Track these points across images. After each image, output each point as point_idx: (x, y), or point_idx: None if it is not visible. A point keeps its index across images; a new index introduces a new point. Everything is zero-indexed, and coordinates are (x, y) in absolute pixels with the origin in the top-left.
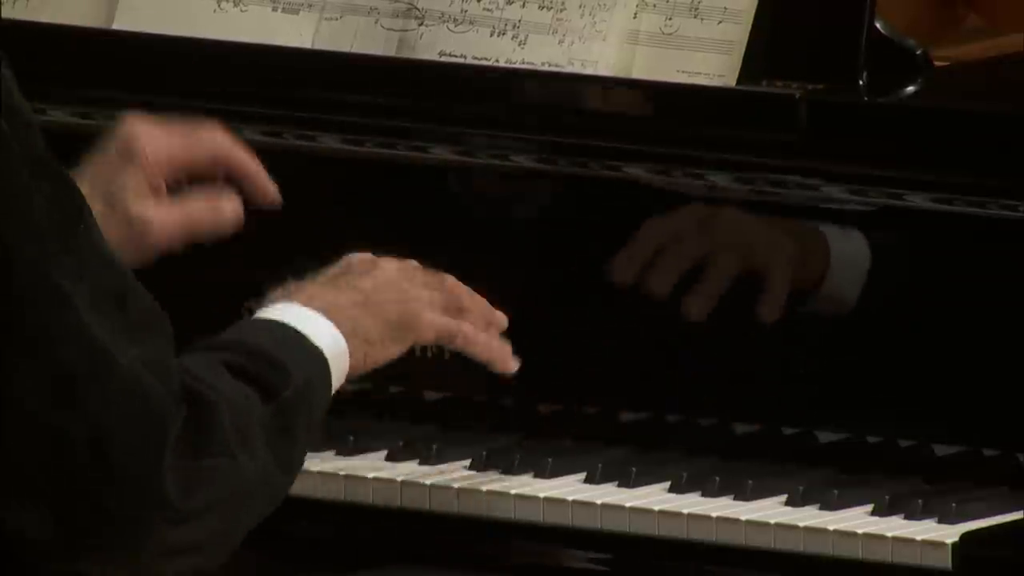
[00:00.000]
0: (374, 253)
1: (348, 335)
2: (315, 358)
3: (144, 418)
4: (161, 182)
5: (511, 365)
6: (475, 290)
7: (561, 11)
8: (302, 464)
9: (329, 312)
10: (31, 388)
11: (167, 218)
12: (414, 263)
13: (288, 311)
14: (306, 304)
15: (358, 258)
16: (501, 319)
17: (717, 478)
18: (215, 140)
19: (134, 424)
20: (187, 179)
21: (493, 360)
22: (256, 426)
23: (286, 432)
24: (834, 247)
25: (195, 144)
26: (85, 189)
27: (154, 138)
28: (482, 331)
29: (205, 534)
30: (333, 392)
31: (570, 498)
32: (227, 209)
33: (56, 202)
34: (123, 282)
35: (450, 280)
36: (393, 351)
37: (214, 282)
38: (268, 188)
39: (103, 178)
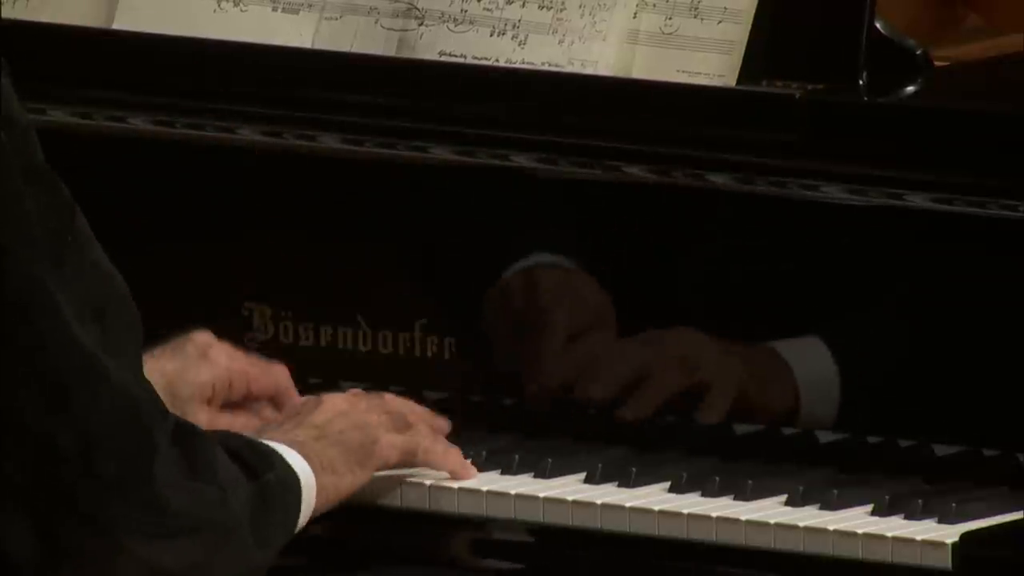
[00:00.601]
0: (374, 253)
1: (316, 470)
2: (291, 472)
3: (133, 426)
4: (220, 395)
5: (469, 472)
6: (475, 290)
7: (561, 11)
8: (275, 552)
9: (293, 446)
10: (22, 395)
11: (209, 425)
12: (354, 391)
13: (263, 438)
14: (270, 440)
15: (301, 400)
16: (444, 425)
17: (717, 478)
18: (279, 376)
19: (123, 431)
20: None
21: (452, 469)
22: (242, 491)
23: (267, 511)
24: (799, 374)
25: (263, 374)
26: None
27: (231, 355)
28: (435, 441)
29: (184, 561)
30: (303, 524)
31: (570, 498)
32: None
33: (49, 211)
34: (106, 295)
35: (390, 399)
36: (360, 478)
37: (214, 282)
38: None
39: (171, 367)
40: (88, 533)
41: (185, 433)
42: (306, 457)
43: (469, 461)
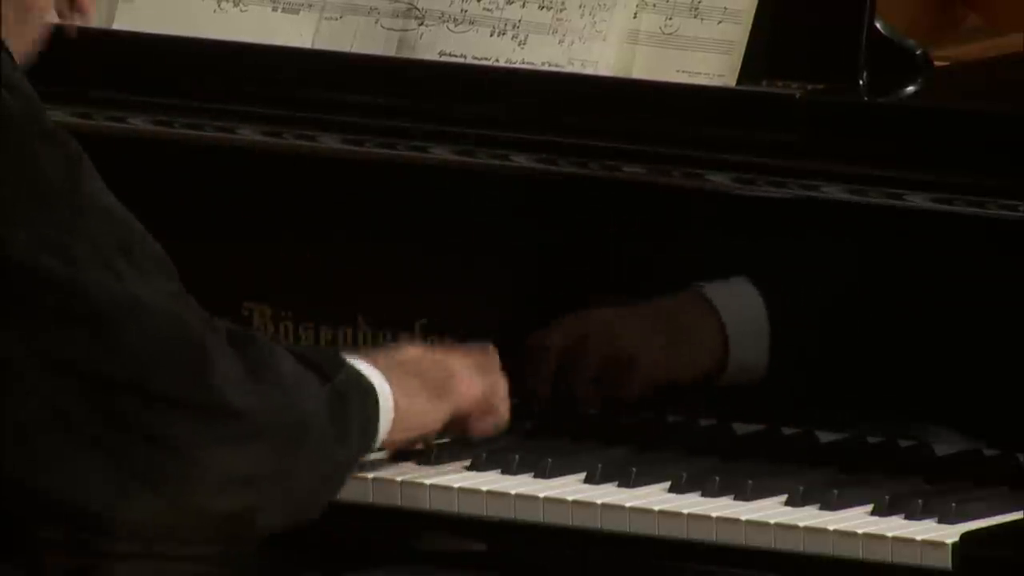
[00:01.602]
0: (374, 253)
1: (393, 388)
2: (366, 381)
3: (182, 342)
4: None
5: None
6: (475, 291)
7: (561, 11)
8: (357, 452)
9: (372, 364)
10: (64, 345)
11: None
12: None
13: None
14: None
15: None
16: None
17: (717, 478)
18: None
19: (173, 349)
20: None
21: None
22: (314, 392)
23: (342, 407)
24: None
25: None
26: None
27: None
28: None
29: (260, 465)
30: (383, 438)
31: (570, 498)
32: None
33: (62, 165)
34: (129, 233)
35: (471, 350)
36: (440, 410)
37: (214, 282)
38: None
39: None
40: (159, 454)
41: (240, 340)
42: (384, 376)
43: (471, 460)
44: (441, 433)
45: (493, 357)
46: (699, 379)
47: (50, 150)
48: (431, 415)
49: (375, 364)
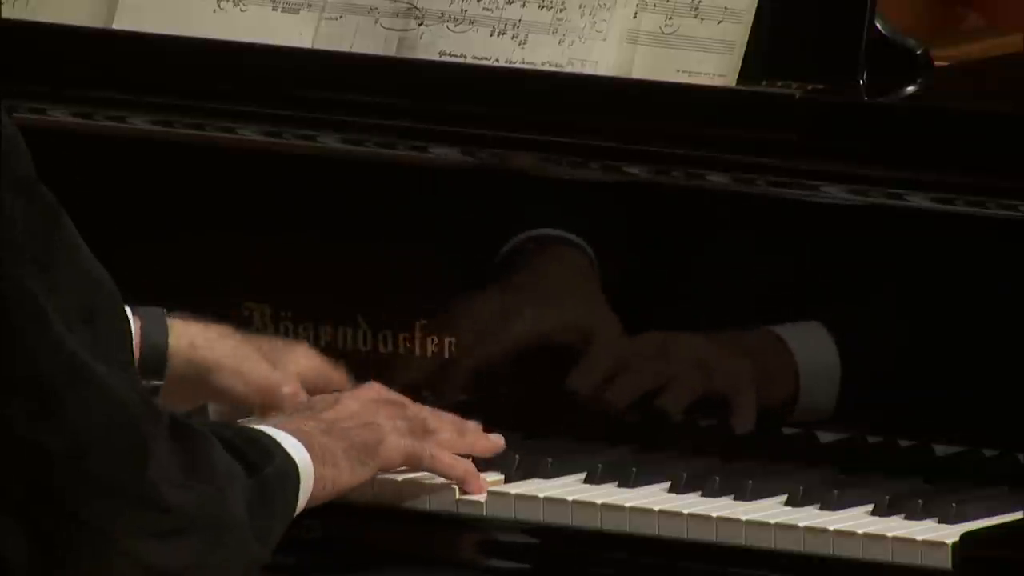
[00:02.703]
0: (374, 253)
1: (315, 459)
2: (290, 463)
3: (124, 427)
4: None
5: (478, 487)
6: (475, 290)
7: (561, 11)
8: (273, 543)
9: (297, 435)
10: (10, 401)
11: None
12: (375, 392)
13: (262, 426)
14: (275, 427)
15: (319, 396)
16: (474, 427)
17: (717, 478)
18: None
19: (114, 433)
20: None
21: (460, 480)
22: (241, 487)
23: (266, 505)
24: (801, 362)
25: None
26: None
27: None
28: (458, 442)
29: (182, 559)
30: (298, 511)
31: (570, 498)
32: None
33: (34, 217)
34: (95, 299)
35: (411, 405)
36: (360, 475)
37: (214, 282)
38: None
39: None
40: (83, 536)
41: (181, 432)
42: (308, 447)
43: (471, 460)
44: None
45: (429, 424)
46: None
47: (23, 203)
48: (349, 480)
49: (301, 433)
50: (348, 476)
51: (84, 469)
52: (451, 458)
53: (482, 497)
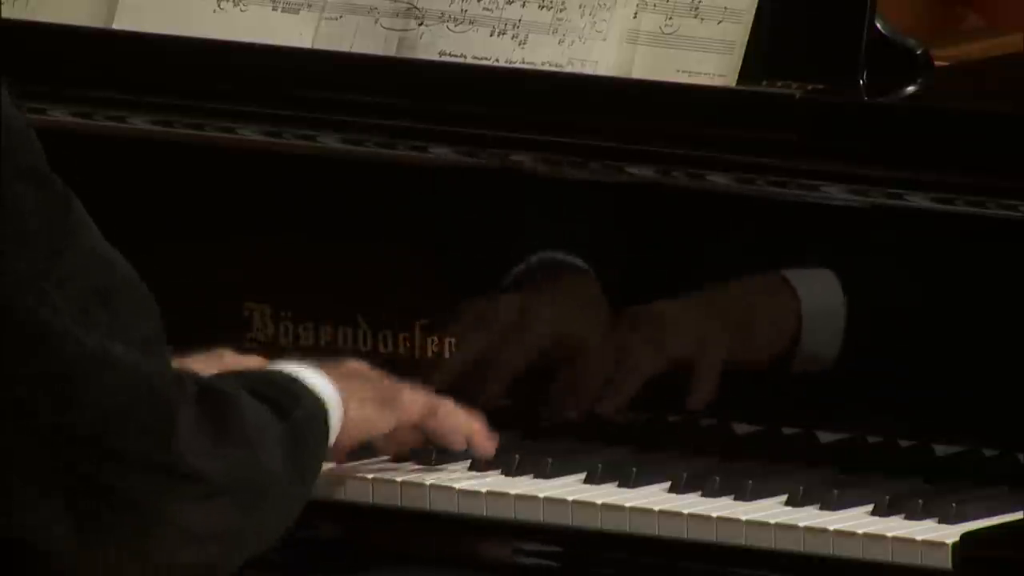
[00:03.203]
0: (374, 253)
1: (341, 393)
2: (317, 401)
3: (147, 403)
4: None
5: (489, 446)
6: (475, 290)
7: (561, 11)
8: (313, 480)
9: (322, 371)
10: (31, 392)
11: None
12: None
13: (285, 366)
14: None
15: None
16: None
17: (717, 478)
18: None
19: (138, 410)
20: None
21: (472, 435)
22: (273, 436)
23: (299, 446)
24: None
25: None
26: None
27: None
28: (462, 414)
29: (222, 521)
30: (331, 443)
31: (570, 498)
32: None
33: (44, 206)
34: (111, 279)
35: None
36: (385, 420)
37: (214, 282)
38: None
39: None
40: (122, 511)
41: (208, 397)
42: (335, 384)
43: (471, 460)
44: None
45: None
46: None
47: (31, 189)
48: (376, 423)
49: (327, 373)
50: (375, 416)
51: (113, 448)
52: (464, 415)
53: (479, 486)
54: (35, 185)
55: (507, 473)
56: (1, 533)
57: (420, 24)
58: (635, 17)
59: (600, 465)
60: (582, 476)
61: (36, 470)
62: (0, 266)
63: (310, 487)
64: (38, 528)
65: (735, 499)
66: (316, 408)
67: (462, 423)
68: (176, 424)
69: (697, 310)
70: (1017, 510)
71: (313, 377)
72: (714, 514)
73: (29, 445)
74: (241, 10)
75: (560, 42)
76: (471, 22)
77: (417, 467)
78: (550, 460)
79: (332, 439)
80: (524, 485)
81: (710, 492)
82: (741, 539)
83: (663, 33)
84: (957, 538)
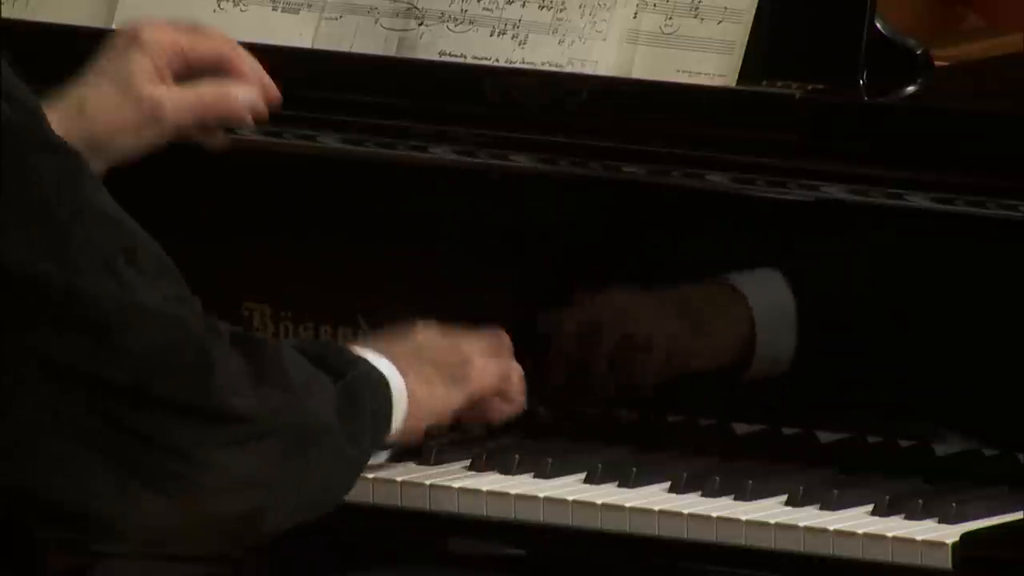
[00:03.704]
0: (374, 253)
1: (406, 376)
2: (374, 370)
3: (183, 348)
4: (167, 69)
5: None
6: (474, 291)
7: (561, 11)
8: (369, 448)
9: (384, 355)
10: (64, 353)
11: (179, 99)
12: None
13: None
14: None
15: (403, 328)
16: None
17: (717, 478)
18: (218, 38)
19: (174, 355)
20: (189, 74)
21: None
22: (322, 389)
23: (353, 407)
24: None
25: (199, 39)
26: (93, 78)
27: (159, 30)
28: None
29: (266, 465)
30: (397, 428)
31: (570, 498)
32: (238, 95)
33: (58, 172)
34: (131, 236)
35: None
36: (455, 396)
37: (214, 282)
38: (270, 89)
39: (112, 64)
40: (165, 458)
41: (243, 342)
42: (396, 366)
43: (471, 460)
44: (455, 419)
45: (506, 342)
46: (724, 369)
47: (48, 159)
48: (446, 401)
49: (388, 353)
50: (443, 394)
51: (152, 395)
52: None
53: (479, 486)
54: (54, 154)
55: (507, 473)
56: (41, 495)
57: (420, 24)
58: (635, 17)
59: (600, 465)
60: (582, 476)
61: (75, 428)
62: (22, 232)
63: (366, 455)
64: (81, 487)
65: (735, 499)
66: (372, 375)
67: (520, 406)
68: (214, 366)
69: (697, 310)
70: (1017, 510)
71: (377, 359)
72: (714, 514)
73: (69, 402)
74: (241, 10)
75: (560, 42)
76: (471, 22)
77: (417, 467)
78: (550, 460)
79: (397, 416)
80: (524, 485)
81: (710, 492)
82: (741, 539)
83: (663, 33)
84: (957, 538)
